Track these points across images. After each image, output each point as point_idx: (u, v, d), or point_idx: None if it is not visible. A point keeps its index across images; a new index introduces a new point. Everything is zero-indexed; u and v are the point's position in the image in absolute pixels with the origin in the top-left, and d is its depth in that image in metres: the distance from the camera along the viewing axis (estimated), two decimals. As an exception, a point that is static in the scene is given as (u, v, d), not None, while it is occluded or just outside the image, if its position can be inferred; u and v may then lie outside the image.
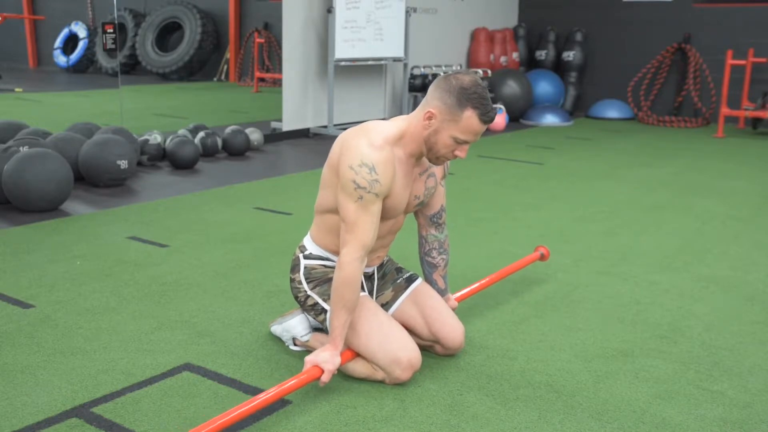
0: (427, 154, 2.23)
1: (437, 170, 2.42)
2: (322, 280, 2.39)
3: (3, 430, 2.00)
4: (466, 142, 2.18)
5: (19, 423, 2.04)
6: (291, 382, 2.10)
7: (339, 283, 2.17)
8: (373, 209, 2.16)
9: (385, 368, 2.26)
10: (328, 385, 2.29)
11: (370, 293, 2.50)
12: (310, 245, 2.42)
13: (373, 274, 2.51)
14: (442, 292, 2.59)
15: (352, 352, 2.32)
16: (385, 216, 2.28)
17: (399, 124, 2.24)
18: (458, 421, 2.11)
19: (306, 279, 2.40)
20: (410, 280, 2.53)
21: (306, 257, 2.42)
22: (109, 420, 2.06)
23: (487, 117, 2.14)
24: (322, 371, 2.15)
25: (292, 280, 2.45)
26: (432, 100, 2.16)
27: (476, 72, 2.15)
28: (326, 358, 2.16)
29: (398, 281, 2.53)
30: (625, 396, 2.28)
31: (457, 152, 2.20)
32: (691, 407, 2.22)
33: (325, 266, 2.40)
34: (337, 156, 2.22)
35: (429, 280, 2.60)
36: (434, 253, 2.57)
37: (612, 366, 2.48)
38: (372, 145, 2.15)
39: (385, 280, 2.54)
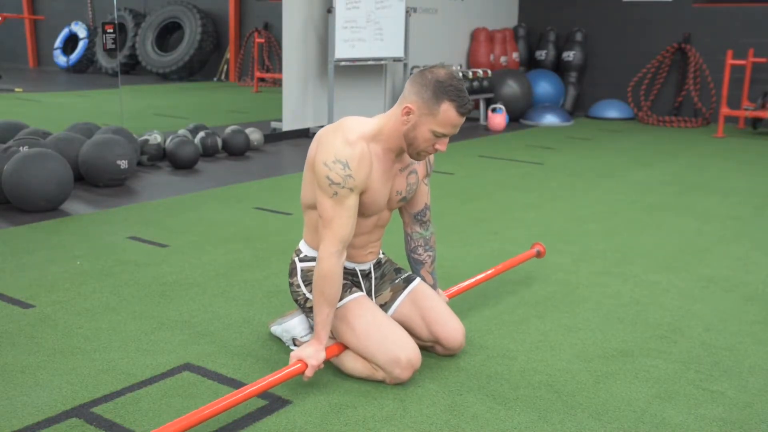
0: (407, 149, 2.25)
1: (419, 167, 2.44)
2: None
3: (3, 430, 2.00)
4: (445, 135, 2.20)
5: (19, 423, 2.04)
6: (275, 377, 2.14)
7: (318, 278, 2.21)
8: (348, 203, 2.18)
9: (385, 368, 2.26)
10: (328, 385, 2.29)
11: (369, 293, 2.50)
12: (304, 247, 2.45)
13: (371, 272, 2.52)
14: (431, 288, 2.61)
15: (338, 346, 2.33)
16: (366, 212, 2.31)
17: (376, 120, 2.27)
18: (458, 421, 2.11)
19: (304, 282, 2.42)
20: (408, 280, 2.54)
21: (301, 260, 2.44)
22: (109, 420, 2.06)
23: (464, 109, 2.16)
24: (307, 366, 2.18)
25: (291, 285, 2.47)
26: (409, 95, 2.18)
27: (451, 65, 2.19)
28: (310, 353, 2.20)
29: (396, 281, 2.53)
30: (625, 396, 2.28)
31: (437, 146, 2.22)
32: (691, 407, 2.22)
33: None
34: (313, 153, 2.26)
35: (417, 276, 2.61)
36: (420, 250, 2.58)
37: (612, 366, 2.48)
38: (346, 141, 2.18)
39: (384, 281, 2.54)
